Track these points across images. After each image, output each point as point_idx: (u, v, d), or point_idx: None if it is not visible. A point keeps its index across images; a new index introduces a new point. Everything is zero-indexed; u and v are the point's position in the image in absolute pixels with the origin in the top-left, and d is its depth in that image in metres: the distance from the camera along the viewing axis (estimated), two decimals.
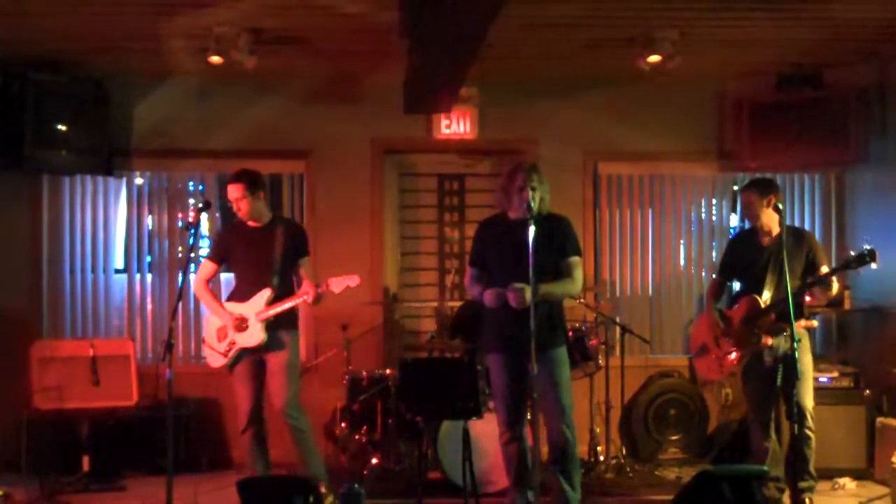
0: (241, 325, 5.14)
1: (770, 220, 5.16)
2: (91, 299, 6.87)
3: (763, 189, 5.19)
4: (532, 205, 4.54)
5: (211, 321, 5.31)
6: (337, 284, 5.15)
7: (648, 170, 7.15)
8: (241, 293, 5.23)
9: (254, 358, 5.18)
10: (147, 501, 5.40)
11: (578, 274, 4.74)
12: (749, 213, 5.26)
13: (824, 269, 5.11)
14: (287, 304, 5.14)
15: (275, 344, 5.16)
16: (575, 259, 4.74)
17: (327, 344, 6.45)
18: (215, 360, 5.24)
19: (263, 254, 5.19)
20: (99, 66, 6.42)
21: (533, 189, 4.61)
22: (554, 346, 4.68)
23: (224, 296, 5.43)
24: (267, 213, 5.34)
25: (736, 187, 7.26)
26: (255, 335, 5.12)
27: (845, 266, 4.88)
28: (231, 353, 5.17)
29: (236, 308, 5.20)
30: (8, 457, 6.20)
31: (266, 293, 5.14)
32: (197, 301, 6.78)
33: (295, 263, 5.28)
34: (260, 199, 5.27)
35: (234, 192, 5.21)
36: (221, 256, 5.38)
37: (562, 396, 4.64)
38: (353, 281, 5.19)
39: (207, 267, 5.38)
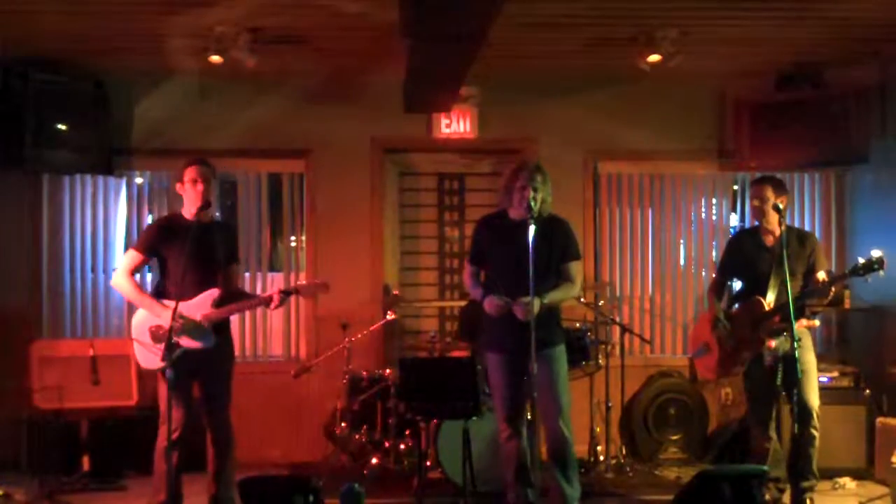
0: (186, 325, 4.72)
1: (775, 220, 5.14)
2: (91, 299, 6.87)
3: (777, 187, 5.16)
4: (532, 205, 4.55)
5: (141, 318, 4.81)
6: (305, 289, 4.99)
7: (648, 169, 7.15)
8: (181, 292, 4.63)
9: (190, 364, 4.72)
10: (147, 501, 5.40)
11: (579, 277, 4.83)
12: (760, 208, 5.15)
13: (821, 275, 5.08)
14: (245, 307, 4.91)
15: (220, 350, 4.87)
16: (575, 263, 4.81)
17: (327, 343, 6.44)
18: (149, 360, 4.77)
19: (206, 252, 4.82)
20: (99, 66, 6.41)
21: (535, 189, 4.61)
22: (552, 345, 4.70)
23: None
24: (214, 211, 5.06)
25: (736, 187, 7.26)
26: (205, 337, 4.77)
27: (853, 273, 4.73)
28: (174, 355, 4.61)
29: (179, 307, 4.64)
30: (8, 457, 6.20)
31: (214, 293, 4.84)
32: None
33: (228, 269, 4.98)
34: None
35: (207, 173, 4.86)
36: (153, 250, 4.83)
37: (559, 394, 4.66)
38: (324, 287, 5.03)
39: (135, 258, 4.84)
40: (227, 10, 5.31)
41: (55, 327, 6.73)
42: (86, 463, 5.96)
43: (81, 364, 5.95)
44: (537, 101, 6.91)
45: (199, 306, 4.81)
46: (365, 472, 5.83)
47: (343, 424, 6.00)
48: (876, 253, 4.65)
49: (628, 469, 6.08)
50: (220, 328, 4.87)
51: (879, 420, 5.94)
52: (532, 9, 5.29)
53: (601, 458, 6.18)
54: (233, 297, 4.92)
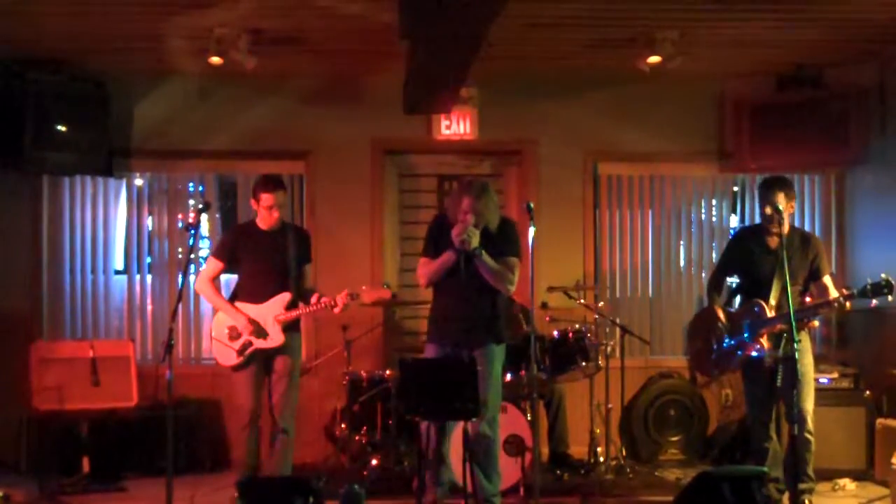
0: (258, 327, 5.15)
1: (785, 225, 5.09)
2: (91, 300, 6.87)
3: (788, 193, 5.08)
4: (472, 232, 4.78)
5: (220, 319, 5.28)
6: (368, 295, 5.27)
7: (648, 170, 7.15)
8: (255, 295, 5.22)
9: (262, 359, 5.21)
10: (147, 503, 5.40)
11: (514, 270, 4.93)
12: (770, 216, 5.02)
13: (826, 279, 5.08)
14: (312, 310, 5.21)
15: (287, 347, 5.21)
16: (508, 258, 4.90)
17: (327, 344, 6.44)
18: (227, 358, 5.20)
19: (279, 258, 5.24)
20: (99, 66, 6.42)
21: (478, 214, 4.78)
22: (489, 343, 4.88)
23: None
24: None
25: (736, 188, 7.27)
26: (275, 337, 5.16)
27: (862, 294, 4.74)
28: (247, 353, 5.16)
29: (251, 309, 5.20)
30: (8, 457, 6.20)
31: (286, 296, 5.20)
32: (197, 302, 6.78)
33: (301, 270, 5.33)
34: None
35: (281, 198, 5.27)
36: (230, 256, 5.31)
37: (486, 393, 4.75)
38: (387, 294, 5.39)
39: (214, 265, 5.33)
40: (227, 12, 5.31)
41: (55, 328, 6.73)
42: (86, 464, 5.94)
43: (81, 365, 5.94)
44: (537, 102, 6.91)
45: (272, 309, 5.17)
46: (365, 472, 5.83)
47: (343, 425, 6.00)
48: (884, 276, 4.69)
49: (628, 470, 6.07)
50: (290, 326, 5.24)
51: (879, 421, 5.93)
52: (532, 9, 5.29)
53: (601, 459, 6.18)
54: (304, 297, 5.28)
